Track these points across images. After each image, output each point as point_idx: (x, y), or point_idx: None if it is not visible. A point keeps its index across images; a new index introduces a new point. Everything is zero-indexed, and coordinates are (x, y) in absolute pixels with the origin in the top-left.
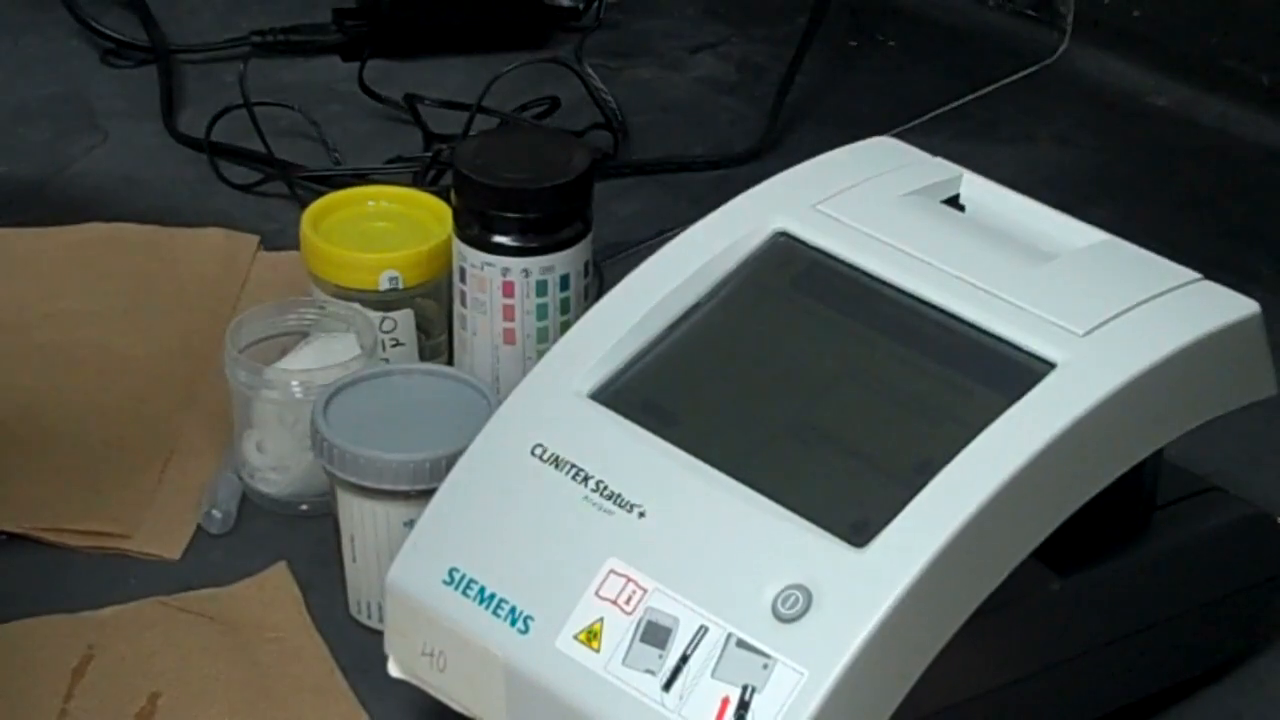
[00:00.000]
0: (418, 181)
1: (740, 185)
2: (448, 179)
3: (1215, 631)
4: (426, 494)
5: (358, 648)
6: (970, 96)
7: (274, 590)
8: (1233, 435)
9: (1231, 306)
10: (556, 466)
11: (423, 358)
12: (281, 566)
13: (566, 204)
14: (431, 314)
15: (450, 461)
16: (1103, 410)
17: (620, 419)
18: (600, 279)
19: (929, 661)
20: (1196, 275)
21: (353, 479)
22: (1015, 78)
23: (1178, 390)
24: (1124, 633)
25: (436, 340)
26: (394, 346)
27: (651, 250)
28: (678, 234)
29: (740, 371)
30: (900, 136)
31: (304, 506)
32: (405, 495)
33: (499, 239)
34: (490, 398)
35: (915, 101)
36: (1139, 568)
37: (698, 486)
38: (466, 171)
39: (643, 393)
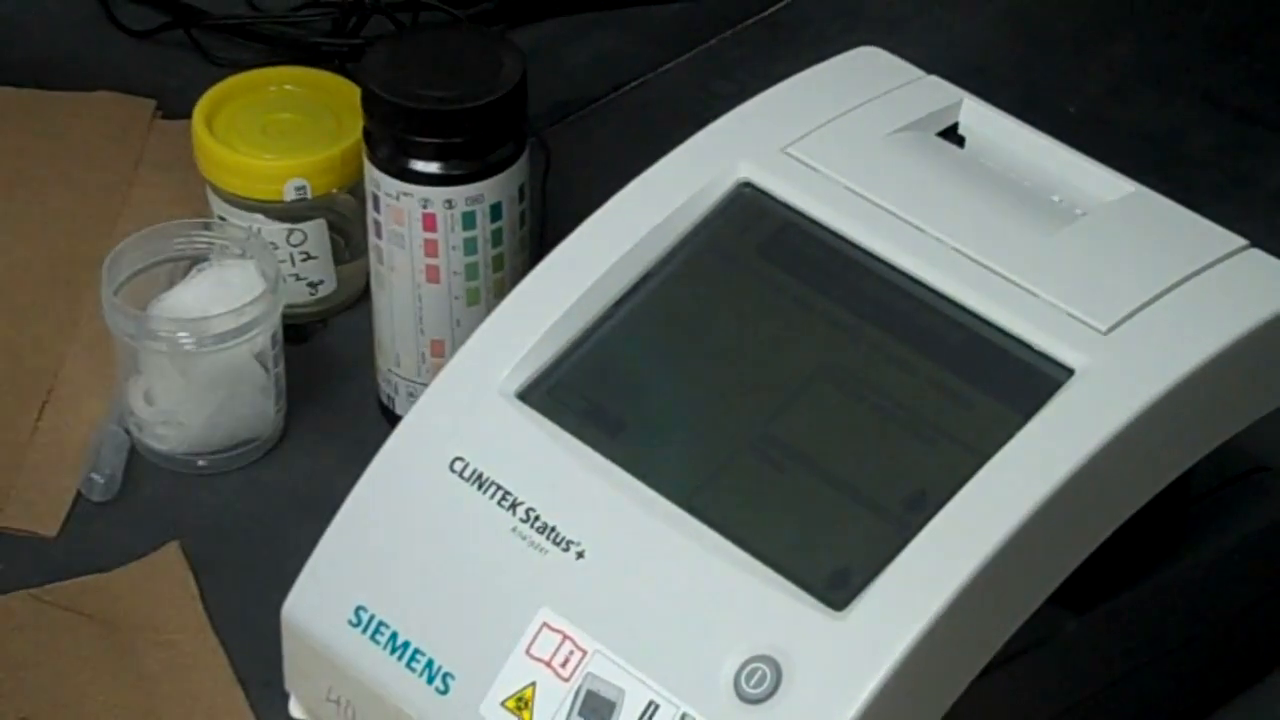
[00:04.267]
0: (337, 31)
1: (709, 23)
2: (374, 27)
3: (1260, 636)
4: None
5: (259, 654)
6: None
7: (165, 578)
8: None
9: None
10: (479, 487)
11: (340, 263)
12: (173, 548)
13: (497, 123)
14: (349, 211)
15: None
16: (1132, 429)
17: (554, 428)
18: (547, 154)
19: None
20: (1242, 242)
21: None
22: None
23: (1221, 394)
24: (1150, 658)
25: (358, 241)
26: (304, 260)
27: (607, 110)
28: (637, 91)
29: (698, 367)
30: None
31: (201, 463)
32: None
33: (417, 166)
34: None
35: None
36: (1171, 585)
37: (645, 524)
38: (374, 87)
39: (581, 393)
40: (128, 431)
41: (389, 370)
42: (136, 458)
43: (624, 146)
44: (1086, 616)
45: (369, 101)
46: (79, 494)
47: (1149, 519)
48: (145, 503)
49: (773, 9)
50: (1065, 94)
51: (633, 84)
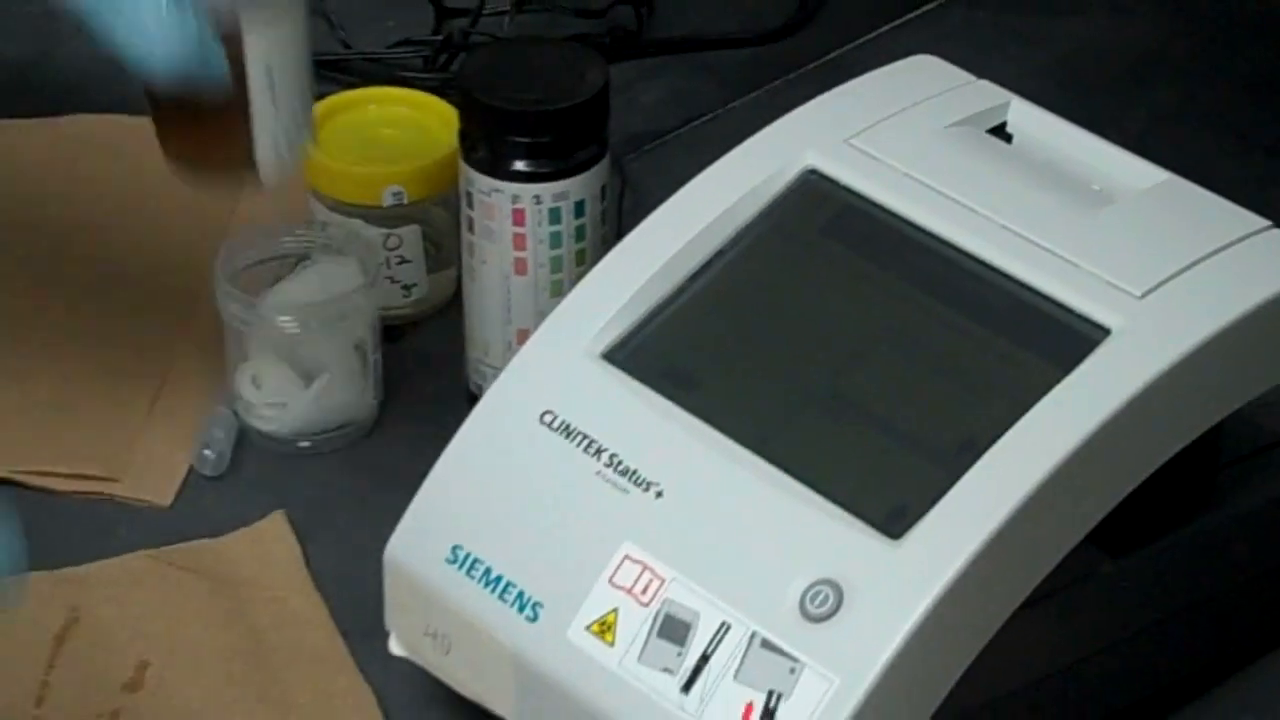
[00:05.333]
0: (429, 66)
1: (773, 64)
2: (459, 65)
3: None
4: None
5: (361, 609)
6: None
7: (271, 542)
8: None
9: None
10: (567, 436)
11: (431, 270)
12: (279, 516)
13: (580, 126)
14: (441, 223)
15: None
16: (1162, 382)
17: (636, 384)
18: (623, 179)
19: (970, 661)
20: (1266, 223)
21: None
22: None
23: (1245, 355)
24: (1182, 607)
25: (448, 251)
26: (400, 264)
27: (678, 142)
28: (707, 125)
29: (766, 331)
30: (945, 9)
31: (303, 444)
32: None
33: (508, 164)
34: None
35: None
36: (1202, 539)
37: (719, 466)
38: (471, 91)
39: (660, 354)
40: (236, 414)
41: (478, 359)
42: (244, 438)
43: (693, 174)
44: (1122, 560)
45: (466, 104)
46: (191, 469)
47: (1182, 476)
48: (252, 478)
49: (833, 54)
50: (1106, 131)
51: (702, 119)
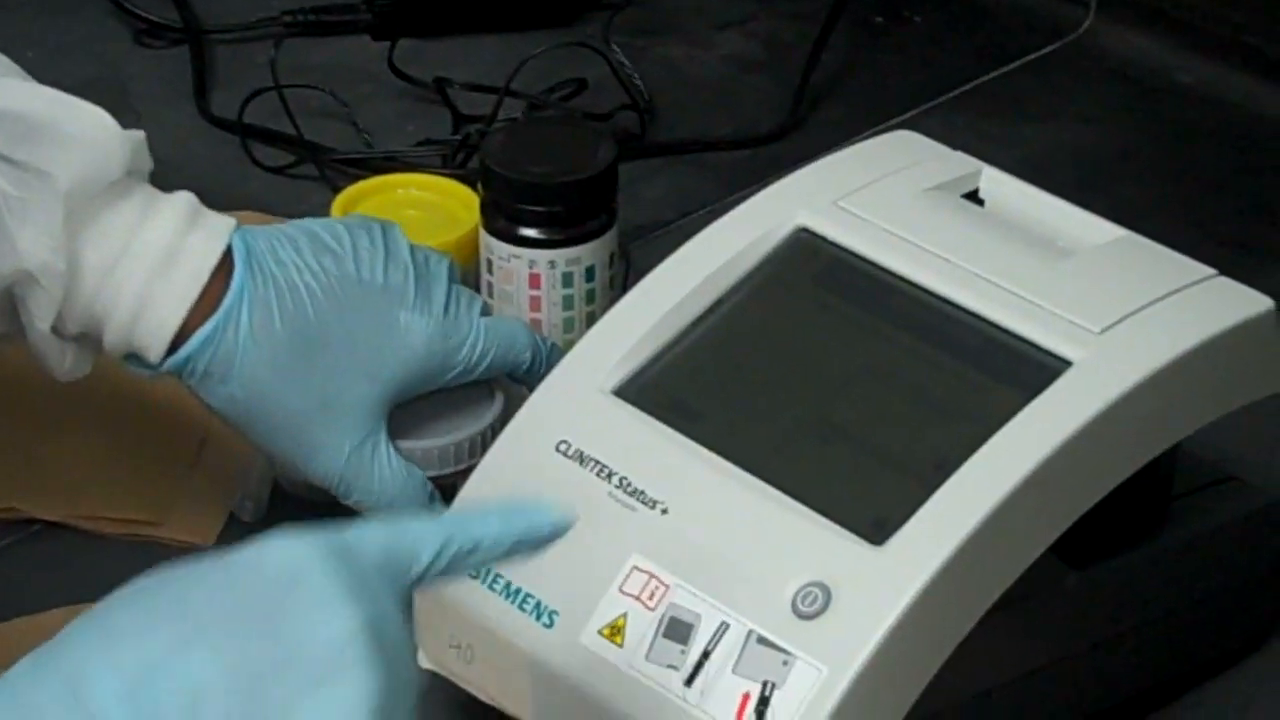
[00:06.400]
0: (447, 164)
1: (766, 164)
2: (476, 161)
3: (1232, 619)
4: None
5: None
6: (995, 73)
7: None
8: (1250, 420)
9: (1247, 303)
10: (581, 463)
11: None
12: None
13: (592, 197)
14: None
15: (461, 448)
16: (1119, 407)
17: (644, 416)
18: (628, 263)
19: (945, 656)
20: (1212, 271)
21: None
22: (1040, 54)
23: (1193, 386)
24: (1139, 623)
25: None
26: None
27: (679, 232)
28: (704, 217)
29: (762, 368)
30: (926, 114)
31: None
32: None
33: (525, 232)
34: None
35: (941, 79)
36: (1156, 559)
37: (719, 484)
38: (493, 165)
39: (666, 390)
40: (273, 464)
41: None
42: (279, 490)
43: None
44: (1085, 572)
45: (487, 177)
46: (231, 515)
47: (1139, 498)
48: (286, 525)
49: (824, 154)
50: None
51: (700, 211)
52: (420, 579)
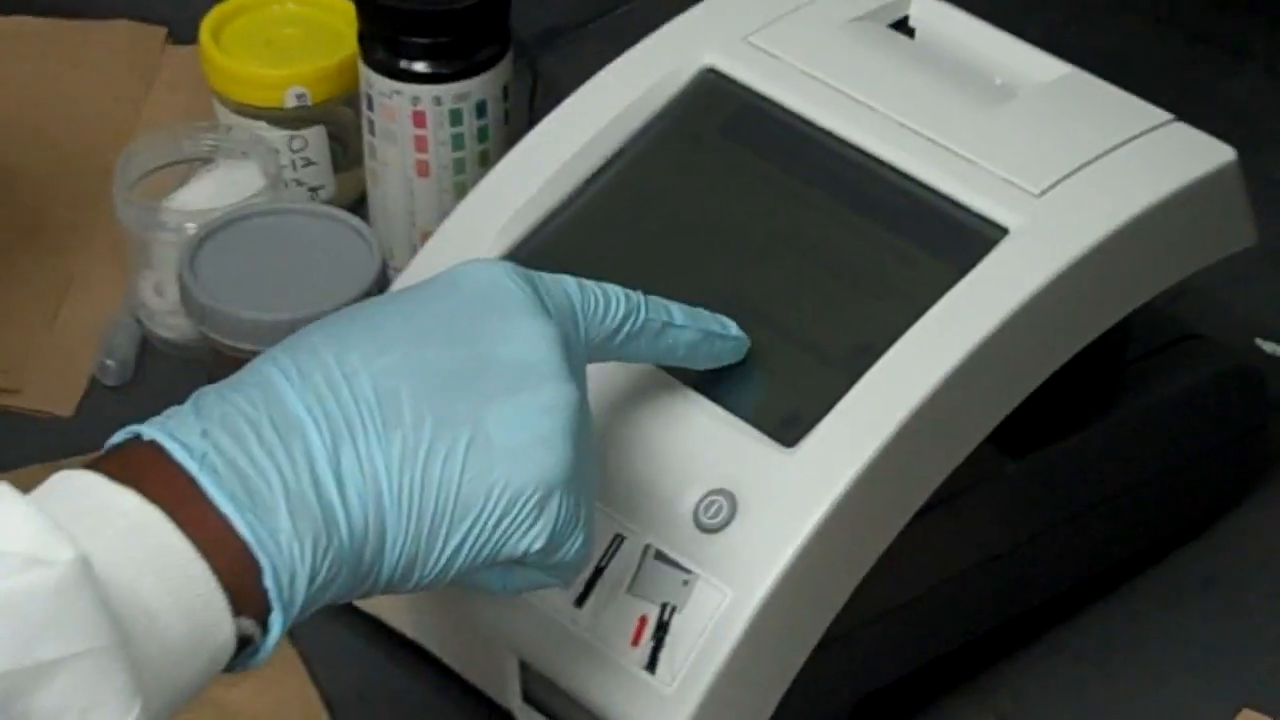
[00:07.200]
0: None
1: None
2: None
3: (1190, 491)
4: None
5: None
6: None
7: None
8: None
9: (1205, 154)
10: None
11: (340, 169)
12: None
13: (480, 25)
14: (348, 121)
15: None
16: (1060, 282)
17: None
18: (535, 75)
19: (869, 567)
20: (1168, 116)
21: (228, 341)
22: None
23: (1146, 251)
24: (1088, 505)
25: (356, 149)
26: (305, 166)
27: (593, 36)
28: (621, 17)
29: (664, 235)
30: None
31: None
32: None
33: (406, 65)
34: (370, 242)
35: None
36: (1105, 438)
37: (608, 373)
38: None
39: (555, 259)
40: (139, 322)
41: (384, 261)
42: (148, 347)
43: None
44: (1025, 460)
45: (364, 4)
46: (94, 379)
47: (1086, 375)
48: (155, 388)
49: None
50: (1026, 21)
51: (619, 9)
52: (610, 339)
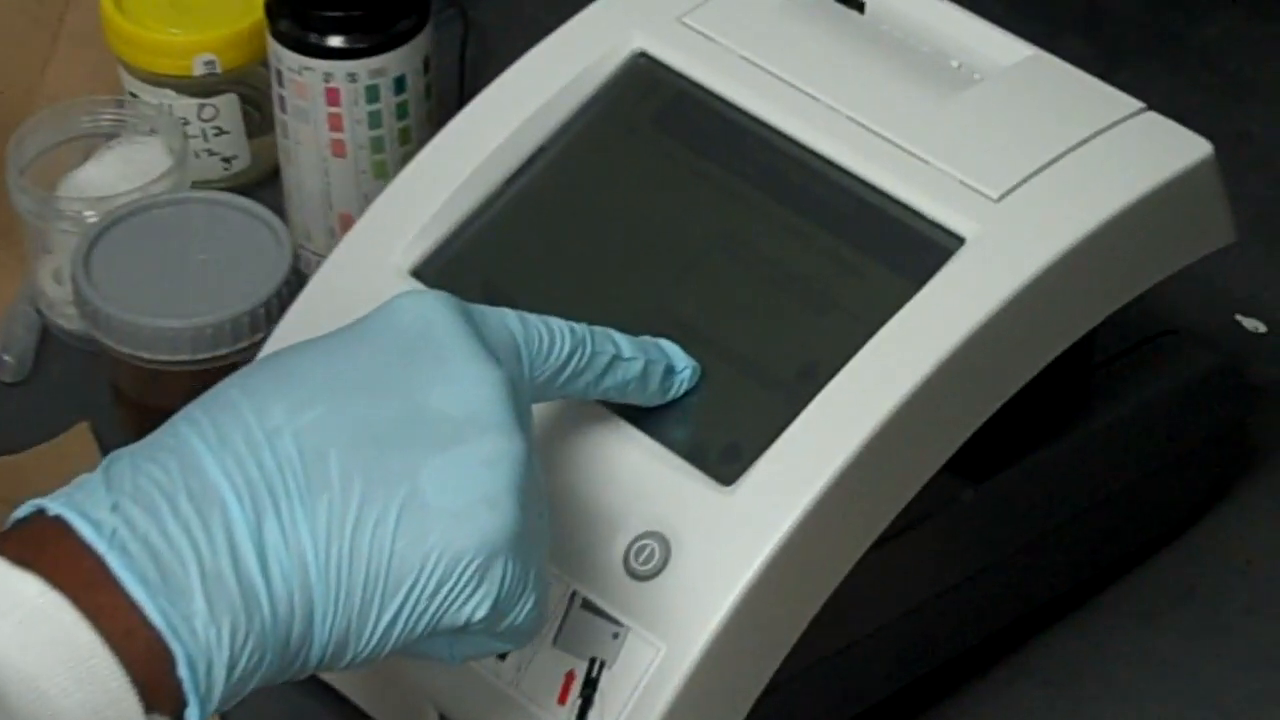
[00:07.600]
0: None
1: None
2: None
3: (1165, 499)
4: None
5: None
6: None
7: (74, 459)
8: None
9: (1179, 148)
10: None
11: (254, 136)
12: (83, 429)
13: None
14: (263, 84)
15: (239, 325)
16: (1021, 297)
17: None
18: (465, 24)
19: (816, 610)
20: (1139, 105)
21: (126, 349)
22: None
23: (1115, 258)
24: (1055, 525)
25: (270, 116)
26: (217, 135)
27: None
28: None
29: (591, 240)
30: None
31: None
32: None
33: (318, 40)
34: (281, 236)
35: None
36: (1070, 453)
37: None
38: None
39: (474, 268)
40: (39, 311)
41: (301, 245)
42: (48, 337)
43: (544, 17)
44: (985, 485)
45: None
46: None
47: (1049, 387)
48: (56, 382)
49: None
50: None
51: None
52: (554, 379)
